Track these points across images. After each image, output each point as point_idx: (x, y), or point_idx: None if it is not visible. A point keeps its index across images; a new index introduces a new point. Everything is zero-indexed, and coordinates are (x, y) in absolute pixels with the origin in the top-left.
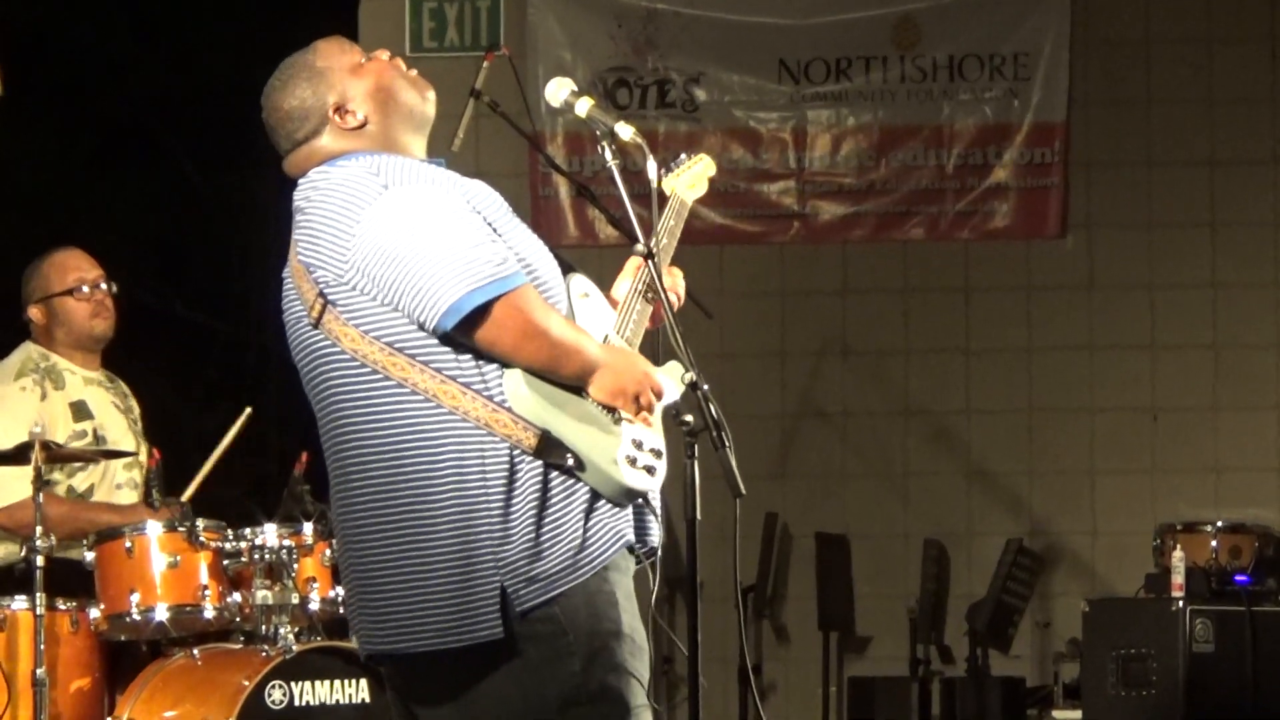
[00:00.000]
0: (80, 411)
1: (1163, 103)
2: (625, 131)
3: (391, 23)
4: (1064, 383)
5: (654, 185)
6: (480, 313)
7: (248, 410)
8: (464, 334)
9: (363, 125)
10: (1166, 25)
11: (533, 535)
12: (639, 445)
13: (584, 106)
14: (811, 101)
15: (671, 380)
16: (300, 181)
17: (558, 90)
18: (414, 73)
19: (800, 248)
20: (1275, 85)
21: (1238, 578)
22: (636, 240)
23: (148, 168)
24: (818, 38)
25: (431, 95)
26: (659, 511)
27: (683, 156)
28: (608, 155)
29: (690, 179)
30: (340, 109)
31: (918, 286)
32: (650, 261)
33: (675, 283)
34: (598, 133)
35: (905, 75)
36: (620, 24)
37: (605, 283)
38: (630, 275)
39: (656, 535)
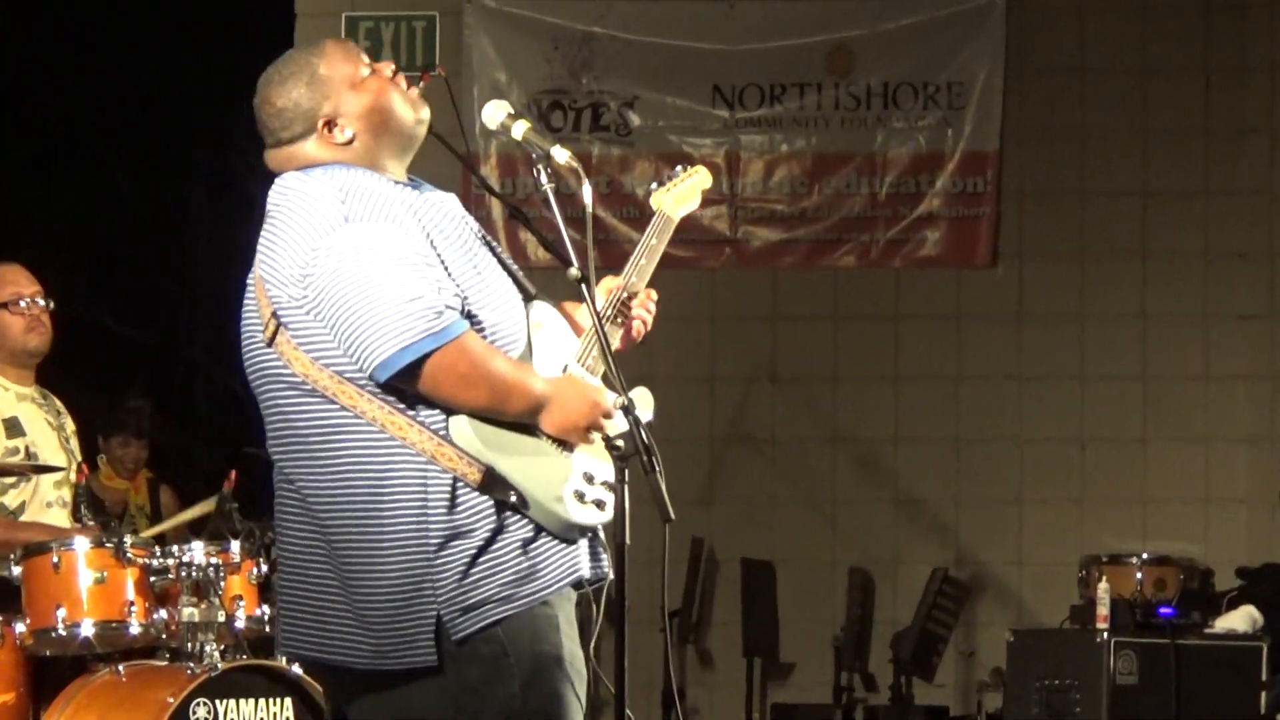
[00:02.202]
0: (12, 429)
1: (1096, 133)
2: (561, 155)
3: None
4: (992, 412)
5: (588, 209)
6: (415, 366)
7: (218, 497)
8: (403, 384)
9: (349, 142)
10: (1100, 56)
11: (466, 566)
12: (590, 479)
13: (520, 129)
14: (745, 127)
15: (643, 401)
16: (276, 180)
17: (494, 112)
18: (414, 91)
19: (731, 273)
20: (1207, 117)
21: (1162, 610)
22: (570, 264)
23: (80, 177)
24: (752, 64)
25: (426, 115)
26: (604, 542)
27: (677, 169)
28: (543, 178)
29: (680, 193)
30: (330, 123)
31: (848, 314)
32: (584, 285)
33: (648, 304)
34: (533, 156)
35: (839, 102)
36: (556, 46)
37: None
38: (601, 297)
39: (607, 564)
